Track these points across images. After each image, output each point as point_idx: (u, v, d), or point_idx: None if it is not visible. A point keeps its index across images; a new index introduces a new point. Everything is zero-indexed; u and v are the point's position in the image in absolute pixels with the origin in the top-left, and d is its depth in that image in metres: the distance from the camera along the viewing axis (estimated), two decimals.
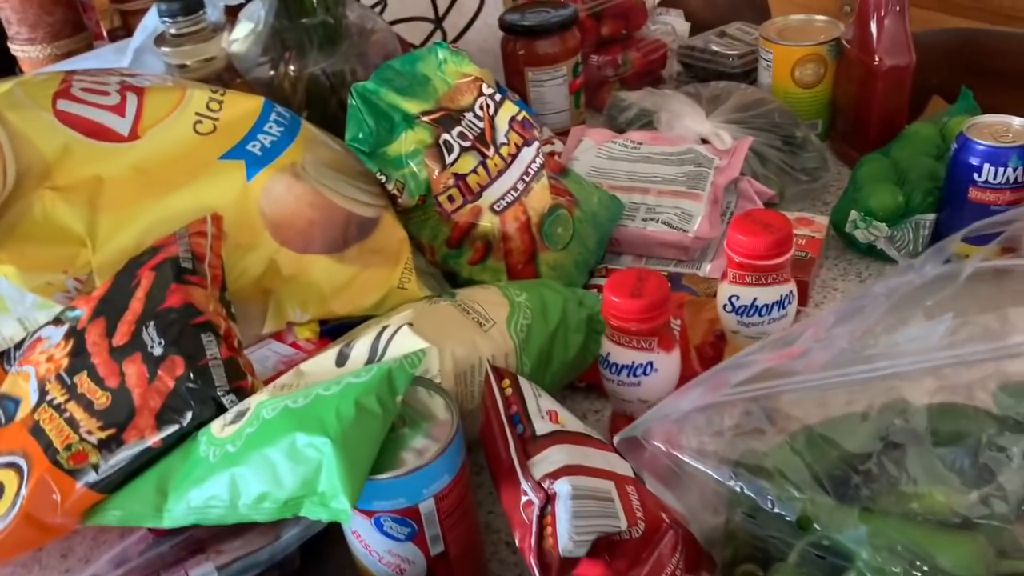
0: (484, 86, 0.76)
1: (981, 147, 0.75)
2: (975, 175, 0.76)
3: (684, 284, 0.78)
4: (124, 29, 1.08)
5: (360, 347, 0.56)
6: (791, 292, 0.64)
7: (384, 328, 0.57)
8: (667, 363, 0.60)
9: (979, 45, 1.11)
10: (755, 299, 0.63)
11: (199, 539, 0.59)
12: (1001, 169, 0.75)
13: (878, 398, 0.49)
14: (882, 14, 0.90)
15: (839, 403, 0.50)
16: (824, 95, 1.00)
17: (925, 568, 0.42)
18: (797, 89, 0.99)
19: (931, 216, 0.80)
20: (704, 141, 0.90)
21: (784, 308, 0.64)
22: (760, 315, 0.64)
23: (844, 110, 0.99)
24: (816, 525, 0.42)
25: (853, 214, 0.82)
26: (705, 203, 0.83)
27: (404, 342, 0.55)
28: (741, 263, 0.63)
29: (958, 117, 0.88)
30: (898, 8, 0.90)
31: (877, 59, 0.91)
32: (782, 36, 1.00)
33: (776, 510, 0.43)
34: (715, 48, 1.11)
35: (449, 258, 0.75)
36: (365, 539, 0.52)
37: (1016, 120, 0.77)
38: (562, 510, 0.46)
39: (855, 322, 0.46)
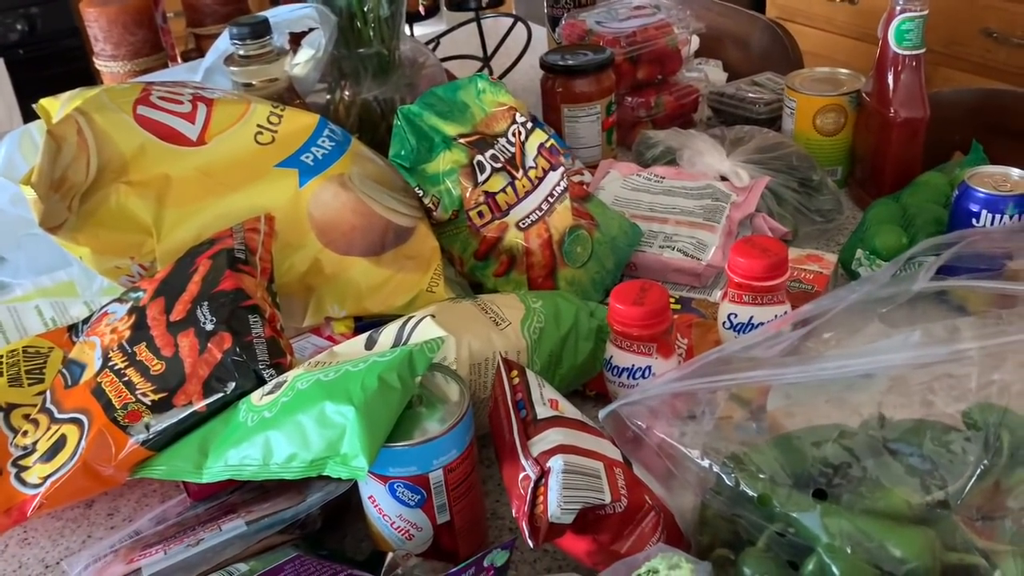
0: (518, 115, 0.83)
1: (981, 194, 0.80)
2: (974, 221, 0.80)
3: (694, 307, 0.83)
4: (197, 51, 1.17)
5: (387, 333, 0.62)
6: (785, 313, 0.69)
7: (409, 318, 0.63)
8: (665, 368, 0.66)
9: (998, 104, 1.15)
10: (751, 317, 0.69)
11: (232, 503, 0.66)
12: (999, 216, 0.79)
13: (863, 404, 0.53)
14: (899, 69, 0.96)
15: (819, 402, 0.55)
16: (844, 143, 1.05)
17: (875, 549, 0.46)
18: (818, 136, 1.05)
19: (932, 258, 0.85)
20: (723, 178, 0.96)
21: None
22: None
23: (862, 158, 1.05)
24: (775, 502, 0.47)
25: (859, 252, 0.87)
26: (720, 235, 0.88)
27: (426, 330, 0.62)
28: (740, 283, 0.68)
29: (966, 169, 0.92)
30: (914, 64, 0.95)
31: (893, 111, 0.96)
32: (806, 86, 1.06)
33: (740, 487, 0.48)
34: (743, 95, 1.17)
35: (476, 269, 0.81)
36: (380, 504, 0.58)
37: (1016, 171, 0.82)
38: (554, 482, 0.52)
39: (817, 321, 0.51)
